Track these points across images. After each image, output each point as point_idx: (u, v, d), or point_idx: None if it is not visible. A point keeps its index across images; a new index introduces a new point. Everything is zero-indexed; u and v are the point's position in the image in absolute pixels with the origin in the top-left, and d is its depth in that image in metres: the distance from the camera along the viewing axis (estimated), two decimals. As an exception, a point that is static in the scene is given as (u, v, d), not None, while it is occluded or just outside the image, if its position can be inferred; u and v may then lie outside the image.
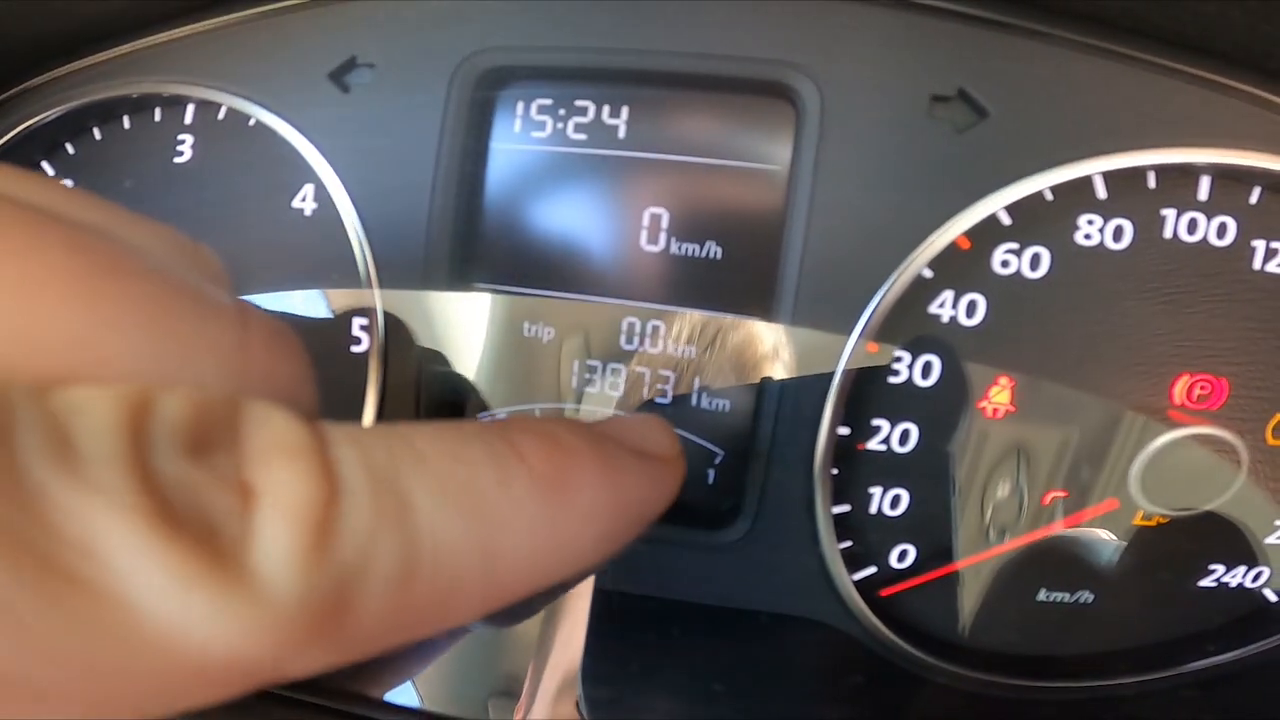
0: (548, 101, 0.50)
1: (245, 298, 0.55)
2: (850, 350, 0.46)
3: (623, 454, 0.29)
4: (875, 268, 0.45)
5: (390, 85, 0.51)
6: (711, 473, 0.51)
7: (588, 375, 0.51)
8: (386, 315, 0.52)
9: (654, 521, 0.32)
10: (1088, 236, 0.45)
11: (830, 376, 0.46)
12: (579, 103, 0.50)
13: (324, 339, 0.55)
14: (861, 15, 0.45)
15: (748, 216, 0.48)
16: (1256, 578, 0.48)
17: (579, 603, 0.46)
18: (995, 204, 0.44)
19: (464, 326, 0.53)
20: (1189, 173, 0.45)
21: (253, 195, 0.55)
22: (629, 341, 0.50)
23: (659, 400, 0.50)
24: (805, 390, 0.47)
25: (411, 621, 0.21)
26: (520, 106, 0.51)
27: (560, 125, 0.50)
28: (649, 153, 0.49)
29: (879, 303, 0.45)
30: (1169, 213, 0.45)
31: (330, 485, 0.18)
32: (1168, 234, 0.45)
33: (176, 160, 0.56)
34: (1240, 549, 0.48)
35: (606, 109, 0.50)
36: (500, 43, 0.50)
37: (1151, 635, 0.49)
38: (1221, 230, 0.45)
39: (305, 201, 0.54)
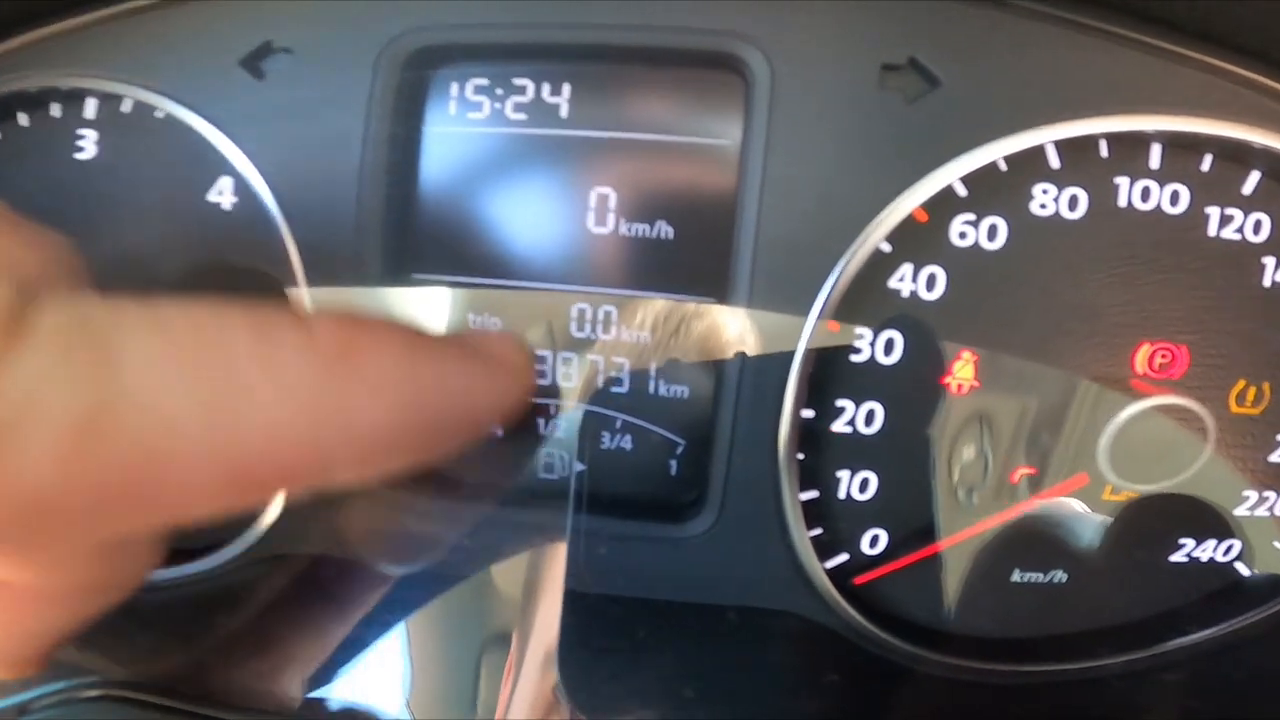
0: (484, 81, 0.48)
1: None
2: (810, 329, 0.44)
3: (441, 346, 0.29)
4: (832, 243, 0.43)
5: (310, 70, 0.48)
6: (674, 463, 0.48)
7: (539, 367, 0.48)
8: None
9: (502, 430, 0.32)
10: (1043, 206, 0.44)
11: (790, 357, 0.44)
12: (517, 81, 0.47)
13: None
14: (809, -17, 0.43)
15: (699, 194, 0.46)
16: (1227, 551, 0.48)
17: (552, 592, 0.43)
18: (950, 175, 0.42)
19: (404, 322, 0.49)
20: (1140, 141, 0.44)
21: (165, 191, 0.51)
22: (580, 329, 0.48)
23: (614, 389, 0.48)
24: (766, 373, 0.44)
25: (117, 481, 0.20)
26: (455, 87, 0.48)
27: (498, 105, 0.48)
28: (593, 130, 0.47)
29: (837, 279, 0.43)
30: (1122, 181, 0.44)
31: (12, 336, 0.20)
32: (1122, 203, 0.44)
33: (78, 156, 0.51)
34: (1208, 522, 0.47)
35: (547, 87, 0.47)
36: (429, 21, 0.47)
37: (1128, 614, 0.48)
38: (1174, 198, 0.45)
39: (223, 195, 0.50)
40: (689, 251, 0.46)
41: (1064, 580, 0.47)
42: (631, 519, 0.48)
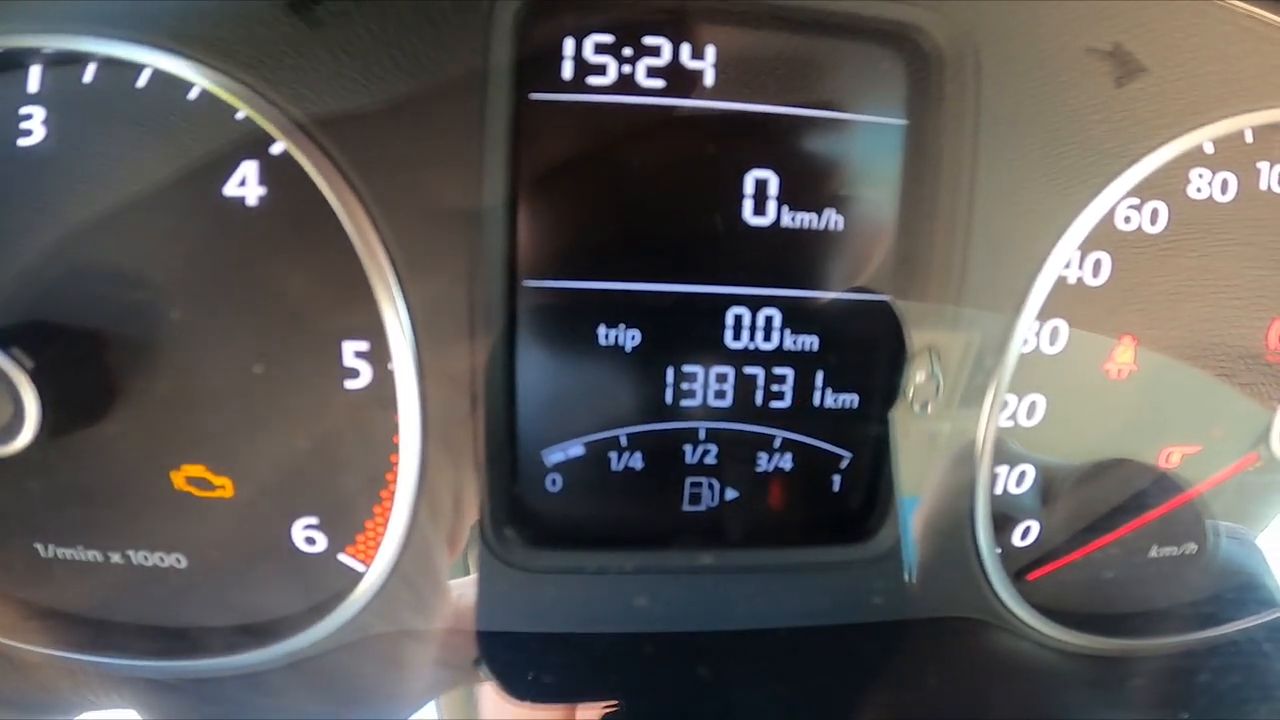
0: (607, 39, 0.39)
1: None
2: (1023, 326, 0.41)
3: None
4: (1042, 235, 0.40)
5: (384, 19, 0.36)
6: (837, 479, 0.44)
7: (686, 385, 0.41)
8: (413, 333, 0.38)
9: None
10: (1199, 190, 0.44)
11: (998, 355, 0.41)
12: (649, 40, 0.39)
13: (295, 375, 0.39)
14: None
15: (874, 180, 0.41)
16: None
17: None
18: (1157, 160, 0.40)
19: (517, 338, 0.40)
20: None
21: (158, 182, 0.37)
22: (737, 338, 0.41)
23: (775, 404, 0.42)
24: (964, 374, 0.41)
25: None
26: (570, 45, 0.39)
27: (626, 69, 0.39)
28: (748, 104, 0.40)
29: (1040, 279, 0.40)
30: (1264, 165, 0.45)
31: None
32: (1263, 185, 0.45)
33: (21, 143, 0.37)
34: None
35: (686, 49, 0.39)
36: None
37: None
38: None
39: (246, 187, 0.38)
40: (862, 244, 0.41)
41: (1193, 552, 0.48)
42: (795, 546, 0.43)
